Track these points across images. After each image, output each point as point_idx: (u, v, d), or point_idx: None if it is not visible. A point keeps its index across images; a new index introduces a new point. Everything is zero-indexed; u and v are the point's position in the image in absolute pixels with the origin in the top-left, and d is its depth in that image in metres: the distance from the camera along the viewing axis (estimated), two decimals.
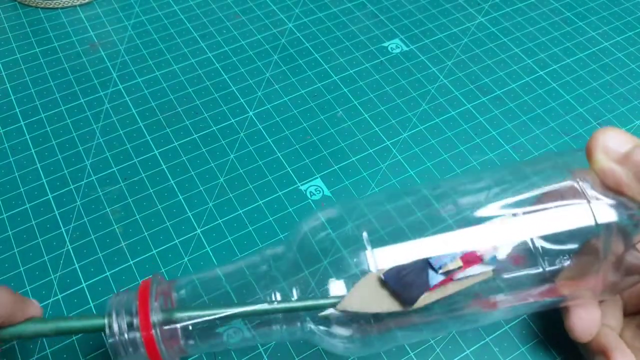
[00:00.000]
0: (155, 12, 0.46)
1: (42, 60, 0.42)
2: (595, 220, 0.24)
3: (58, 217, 0.34)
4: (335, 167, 0.37)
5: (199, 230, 0.33)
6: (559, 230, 0.25)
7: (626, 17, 0.47)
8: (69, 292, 0.31)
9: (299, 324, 0.25)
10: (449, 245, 0.24)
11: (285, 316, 0.25)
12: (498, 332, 0.30)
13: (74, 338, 0.29)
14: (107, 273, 0.32)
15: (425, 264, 0.24)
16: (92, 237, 0.33)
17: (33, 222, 0.33)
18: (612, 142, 0.24)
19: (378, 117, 0.40)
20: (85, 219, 0.34)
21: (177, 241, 0.33)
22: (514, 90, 0.42)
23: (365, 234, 0.25)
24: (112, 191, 0.35)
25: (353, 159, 0.37)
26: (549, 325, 0.31)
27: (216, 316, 0.24)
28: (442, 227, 0.25)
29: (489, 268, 0.25)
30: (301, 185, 0.36)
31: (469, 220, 0.25)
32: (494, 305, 0.26)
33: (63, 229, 0.33)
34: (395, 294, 0.24)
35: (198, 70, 0.42)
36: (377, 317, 0.25)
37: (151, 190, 0.35)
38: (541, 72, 0.43)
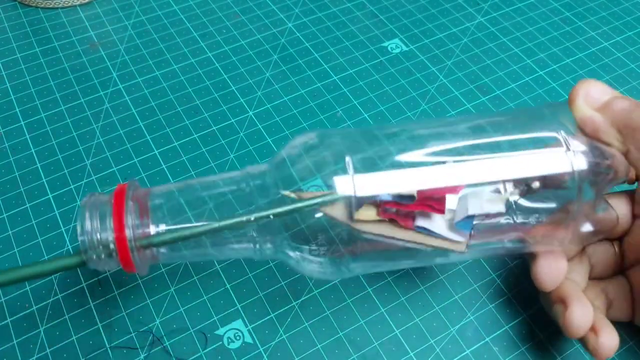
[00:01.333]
0: (155, 11, 0.46)
1: (42, 60, 0.42)
2: (572, 167, 0.24)
3: (58, 217, 0.34)
4: (335, 167, 0.37)
5: None
6: (535, 174, 0.24)
7: (626, 17, 0.47)
8: (69, 292, 0.31)
9: (274, 244, 0.25)
10: (420, 180, 0.24)
11: (262, 233, 0.24)
12: (498, 332, 0.30)
13: (74, 337, 0.29)
14: (107, 273, 0.32)
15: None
16: None
17: (33, 222, 0.33)
18: (593, 91, 0.25)
19: (378, 117, 0.40)
20: None
21: None
22: (513, 90, 0.42)
23: (348, 158, 0.24)
24: (112, 191, 0.35)
25: None
26: (549, 325, 0.31)
27: (193, 232, 0.23)
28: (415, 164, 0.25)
29: (463, 239, 0.24)
30: (301, 185, 0.36)
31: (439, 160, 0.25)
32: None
33: (63, 229, 0.33)
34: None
35: (198, 70, 0.42)
36: (350, 239, 0.24)
37: None
38: (541, 72, 0.43)
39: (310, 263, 0.25)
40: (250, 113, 0.39)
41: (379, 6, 0.48)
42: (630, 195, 0.27)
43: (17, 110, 0.39)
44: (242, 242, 0.25)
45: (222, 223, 0.23)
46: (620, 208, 0.27)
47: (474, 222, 0.24)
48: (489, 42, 0.45)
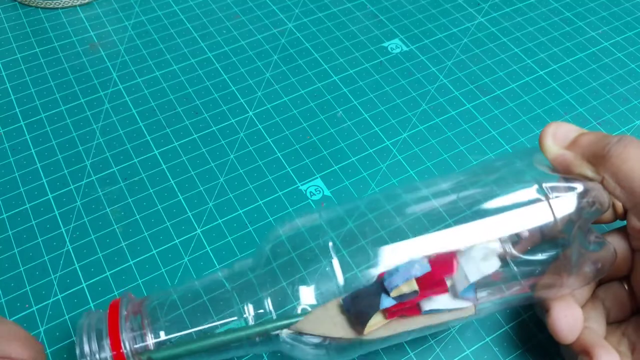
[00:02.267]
0: (155, 12, 0.46)
1: (42, 60, 0.42)
2: (554, 214, 0.24)
3: (58, 217, 0.34)
4: (335, 167, 0.37)
5: (199, 230, 0.33)
6: (523, 229, 0.25)
7: (626, 17, 0.47)
8: (69, 292, 0.31)
9: (270, 338, 0.25)
10: (412, 252, 0.24)
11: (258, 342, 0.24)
12: (498, 332, 0.30)
13: (74, 337, 0.29)
14: (107, 273, 0.32)
15: (380, 286, 0.24)
16: (92, 237, 0.33)
17: (33, 222, 0.33)
18: (559, 132, 0.27)
19: (378, 117, 0.40)
20: (85, 219, 0.34)
21: (177, 241, 0.33)
22: (513, 90, 0.42)
23: (330, 244, 0.24)
24: (112, 191, 0.35)
25: (353, 159, 0.37)
26: None
27: (190, 349, 0.24)
28: (404, 237, 0.25)
29: (469, 304, 0.24)
30: (301, 185, 0.36)
31: (428, 229, 0.25)
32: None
33: (63, 229, 0.33)
34: (351, 320, 0.24)
35: (198, 70, 0.42)
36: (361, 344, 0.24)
37: (151, 190, 0.35)
38: (541, 72, 0.43)
39: (306, 349, 0.25)
40: (250, 113, 0.39)
41: (379, 6, 0.48)
42: (623, 230, 0.27)
43: (17, 110, 0.39)
44: (238, 348, 0.25)
45: (218, 339, 0.24)
46: (616, 243, 0.27)
47: (476, 284, 0.24)
48: (489, 42, 0.45)
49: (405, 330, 0.24)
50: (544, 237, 0.25)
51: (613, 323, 0.28)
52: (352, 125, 0.39)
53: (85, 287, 0.31)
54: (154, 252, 0.32)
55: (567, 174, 0.26)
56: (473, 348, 0.30)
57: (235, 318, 0.24)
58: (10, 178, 0.35)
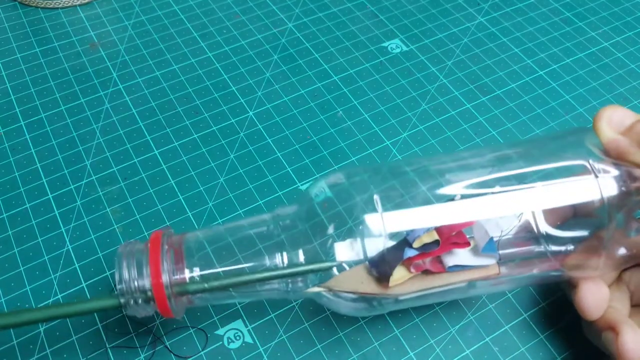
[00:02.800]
0: (155, 12, 0.46)
1: (42, 60, 0.42)
2: (601, 193, 0.24)
3: (58, 217, 0.34)
4: (335, 167, 0.37)
5: None
6: (565, 204, 0.25)
7: (626, 17, 0.47)
8: (69, 292, 0.31)
9: (303, 284, 0.25)
10: (452, 215, 0.24)
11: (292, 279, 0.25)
12: (498, 332, 0.30)
13: (74, 338, 0.29)
14: (107, 273, 0.32)
15: (404, 242, 0.24)
16: (92, 237, 0.33)
17: (33, 222, 0.33)
18: (615, 116, 0.26)
19: (378, 117, 0.40)
20: (85, 219, 0.34)
21: None
22: (514, 90, 0.42)
23: (376, 197, 0.25)
24: (112, 191, 0.35)
25: (353, 159, 0.37)
26: (549, 325, 0.31)
27: (226, 283, 0.24)
28: (446, 200, 0.25)
29: (493, 261, 0.25)
30: (301, 185, 0.36)
31: (468, 195, 0.25)
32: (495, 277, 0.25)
33: (63, 229, 0.33)
34: (378, 276, 0.24)
35: (198, 70, 0.42)
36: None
37: (151, 190, 0.35)
38: (541, 72, 0.43)
39: (345, 303, 0.25)
40: (250, 113, 0.39)
41: (379, 6, 0.48)
42: None
43: (17, 110, 0.39)
44: (273, 285, 0.25)
45: (255, 276, 0.24)
46: None
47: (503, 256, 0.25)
48: (489, 42, 0.45)
49: (430, 287, 0.24)
50: (575, 215, 0.25)
51: (635, 306, 0.28)
52: (352, 125, 0.39)
53: (85, 287, 0.31)
54: None
55: (619, 159, 0.26)
56: (473, 348, 0.30)
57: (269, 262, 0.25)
58: (10, 178, 0.35)
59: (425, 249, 0.24)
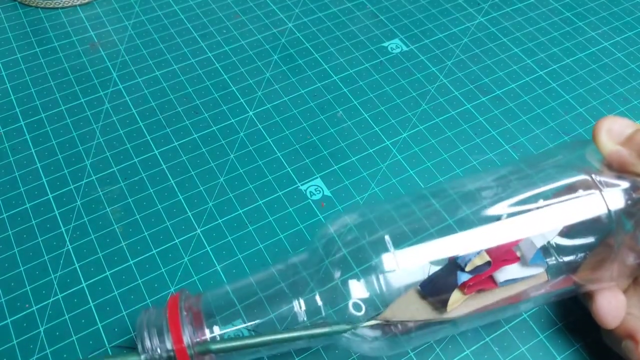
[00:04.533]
0: (155, 12, 0.46)
1: (42, 60, 0.42)
2: (607, 207, 0.25)
3: (58, 217, 0.34)
4: (335, 167, 0.37)
5: (199, 230, 0.33)
6: (576, 221, 0.25)
7: (626, 17, 0.47)
8: (69, 292, 0.31)
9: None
10: (471, 243, 0.25)
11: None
12: (498, 332, 0.30)
13: (74, 337, 0.29)
14: (107, 273, 0.32)
15: (454, 266, 0.24)
16: (92, 237, 0.33)
17: (33, 222, 0.33)
18: (614, 127, 0.26)
19: (378, 117, 0.40)
20: (85, 219, 0.34)
21: (177, 241, 0.33)
22: (513, 90, 0.42)
23: (387, 237, 0.25)
24: (112, 191, 0.35)
25: (353, 159, 0.37)
26: (549, 325, 0.31)
27: (247, 343, 0.24)
28: (464, 227, 0.25)
29: (541, 269, 0.25)
30: (301, 185, 0.36)
31: (487, 219, 0.25)
32: (517, 298, 0.26)
33: (63, 229, 0.33)
34: (432, 302, 0.24)
35: (198, 70, 0.42)
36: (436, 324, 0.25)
37: (151, 190, 0.35)
38: (541, 72, 0.43)
39: (367, 344, 0.26)
40: (250, 113, 0.39)
41: (379, 6, 0.48)
42: None
43: (17, 110, 0.39)
44: (295, 343, 0.26)
45: (276, 336, 0.24)
46: None
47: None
48: (489, 42, 0.45)
49: (485, 305, 0.25)
50: (582, 223, 0.25)
51: None
52: (352, 125, 0.39)
53: (85, 287, 0.31)
54: (154, 251, 0.32)
55: (621, 171, 0.26)
56: (473, 348, 0.30)
57: (291, 313, 0.25)
58: (10, 178, 0.35)
59: (477, 271, 0.24)
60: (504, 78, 0.42)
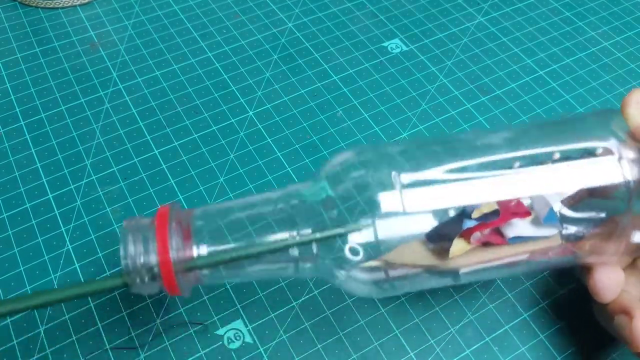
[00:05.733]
0: (155, 11, 0.46)
1: (42, 60, 0.42)
2: (624, 176, 0.24)
3: (58, 217, 0.34)
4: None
5: None
6: (591, 185, 0.24)
7: (625, 17, 0.47)
8: None
9: (316, 264, 0.24)
10: (482, 191, 0.23)
11: (304, 254, 0.24)
12: (498, 332, 0.30)
13: (74, 338, 0.29)
14: (107, 273, 0.32)
15: (462, 214, 0.23)
16: (92, 237, 0.33)
17: (33, 222, 0.33)
18: None
19: (378, 117, 0.40)
20: (85, 219, 0.34)
21: None
22: (513, 90, 0.42)
23: (394, 173, 0.24)
24: (112, 191, 0.35)
25: None
26: (549, 325, 0.31)
27: (236, 255, 0.23)
28: (474, 175, 0.24)
29: (555, 231, 0.24)
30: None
31: (500, 166, 0.24)
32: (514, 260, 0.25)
33: (63, 229, 0.33)
34: (435, 250, 0.23)
35: (198, 70, 0.42)
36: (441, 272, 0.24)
37: (151, 190, 0.35)
38: (541, 72, 0.43)
39: (358, 285, 0.24)
40: (250, 113, 0.39)
41: (379, 6, 0.48)
42: None
43: (17, 110, 0.39)
44: (282, 262, 0.24)
45: (264, 247, 0.23)
46: None
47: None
48: (489, 42, 0.45)
49: (491, 259, 0.24)
50: (593, 194, 0.24)
51: None
52: (352, 125, 0.39)
53: None
54: None
55: None
56: (473, 348, 0.30)
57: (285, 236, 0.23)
58: (10, 178, 0.35)
59: (484, 219, 0.23)
60: (504, 78, 0.42)
